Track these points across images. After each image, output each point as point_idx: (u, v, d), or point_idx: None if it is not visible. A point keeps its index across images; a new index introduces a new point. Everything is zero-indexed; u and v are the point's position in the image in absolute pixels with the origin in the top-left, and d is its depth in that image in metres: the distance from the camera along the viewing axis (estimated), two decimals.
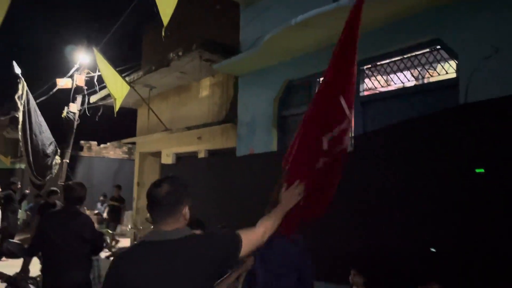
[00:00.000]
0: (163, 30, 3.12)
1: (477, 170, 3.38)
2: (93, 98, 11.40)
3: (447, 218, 3.36)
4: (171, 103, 9.68)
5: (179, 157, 9.51)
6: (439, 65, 4.02)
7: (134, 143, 12.54)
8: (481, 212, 3.18)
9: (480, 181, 3.28)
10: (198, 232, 2.58)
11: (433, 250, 3.32)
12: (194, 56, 6.94)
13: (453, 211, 3.36)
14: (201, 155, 8.38)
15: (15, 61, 9.38)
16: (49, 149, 11.93)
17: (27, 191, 11.65)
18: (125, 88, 8.60)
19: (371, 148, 4.37)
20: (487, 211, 3.16)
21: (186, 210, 1.87)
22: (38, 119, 11.65)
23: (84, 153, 14.15)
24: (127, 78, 8.84)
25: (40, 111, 11.55)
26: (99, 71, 10.32)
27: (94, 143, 14.43)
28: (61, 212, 3.72)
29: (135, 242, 1.87)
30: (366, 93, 4.77)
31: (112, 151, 14.62)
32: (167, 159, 9.69)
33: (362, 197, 4.30)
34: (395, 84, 4.49)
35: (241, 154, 6.44)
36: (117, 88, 8.70)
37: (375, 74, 4.69)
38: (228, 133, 7.38)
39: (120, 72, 8.88)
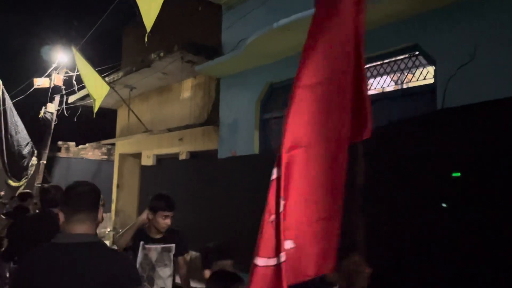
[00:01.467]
0: (146, 36, 3.10)
1: (454, 174, 3.48)
2: (72, 98, 11.22)
3: (422, 221, 3.43)
4: (152, 104, 9.61)
5: (159, 158, 9.44)
6: (417, 70, 4.12)
7: (113, 144, 12.39)
8: (456, 215, 3.27)
9: (457, 185, 3.37)
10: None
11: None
12: (176, 57, 6.90)
13: (428, 213, 3.44)
14: (182, 156, 8.33)
15: None
16: (25, 150, 11.70)
17: (2, 193, 11.37)
18: (105, 89, 8.49)
19: (351, 152, 4.44)
20: (462, 214, 3.25)
21: (100, 216, 1.92)
22: (14, 119, 11.41)
23: (62, 154, 13.88)
24: (106, 79, 8.73)
25: (16, 111, 11.31)
26: (78, 71, 10.17)
27: (72, 144, 14.17)
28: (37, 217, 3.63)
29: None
30: None
31: (90, 152, 14.38)
32: (148, 160, 9.60)
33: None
34: (375, 88, 4.56)
35: (223, 156, 6.45)
36: (97, 88, 8.59)
37: None
38: (210, 135, 7.37)
39: (100, 72, 8.77)
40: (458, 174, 3.40)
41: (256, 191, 5.70)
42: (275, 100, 5.82)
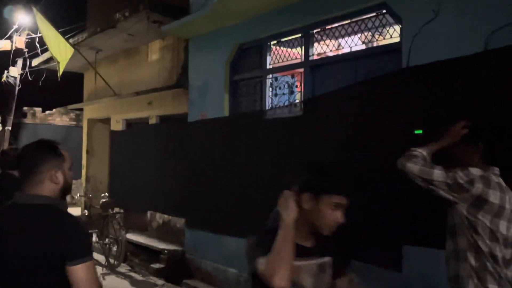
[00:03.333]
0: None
1: (416, 132, 3.55)
2: (35, 62, 10.76)
3: (386, 178, 3.51)
4: (119, 67, 9.32)
5: (129, 123, 9.27)
6: (385, 29, 4.10)
7: (81, 110, 12.04)
8: None
9: (419, 142, 3.44)
10: None
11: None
12: (142, 17, 6.65)
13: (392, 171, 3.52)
14: (152, 121, 8.20)
15: None
16: None
17: None
18: (69, 51, 8.16)
19: (319, 112, 4.46)
20: None
21: (53, 175, 1.76)
22: None
23: (28, 120, 13.44)
24: (71, 40, 8.37)
25: None
26: (40, 33, 9.71)
27: (38, 109, 13.71)
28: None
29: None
30: (315, 57, 4.80)
31: (58, 118, 13.97)
32: (117, 125, 9.41)
33: (310, 158, 4.41)
34: (343, 48, 4.54)
35: (193, 119, 6.37)
36: (60, 51, 8.24)
37: (324, 38, 4.72)
38: (180, 98, 7.24)
39: (64, 34, 8.40)
40: (421, 131, 3.48)
41: (226, 153, 5.72)
42: (245, 61, 5.73)
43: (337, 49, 4.60)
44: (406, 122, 3.59)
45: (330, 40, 4.65)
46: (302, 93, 4.87)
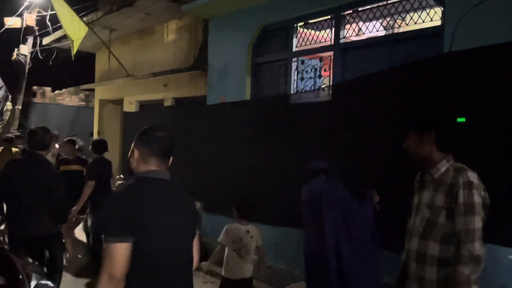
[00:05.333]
0: None
1: (459, 120, 3.40)
2: (46, 40, 10.57)
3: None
4: (133, 48, 9.13)
5: (143, 105, 9.13)
6: (424, 11, 3.92)
7: (92, 90, 11.90)
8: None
9: (462, 130, 3.30)
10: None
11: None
12: None
13: None
14: (167, 103, 8.06)
15: None
16: None
17: None
18: (83, 29, 7.99)
19: (349, 97, 4.31)
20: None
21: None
22: None
23: (38, 100, 13.30)
24: (84, 19, 8.19)
25: None
26: (52, 10, 9.51)
27: (48, 89, 13.56)
28: (24, 160, 3.44)
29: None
30: (346, 40, 4.63)
31: (68, 97, 13.83)
32: (130, 107, 9.27)
33: (337, 145, 4.29)
34: (378, 31, 4.37)
35: (211, 103, 6.23)
36: (74, 29, 8.06)
37: (356, 20, 4.53)
38: (197, 81, 7.09)
39: (78, 12, 8.22)
40: (463, 119, 3.33)
41: (245, 138, 5.60)
42: (269, 44, 5.55)
43: (370, 32, 4.42)
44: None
45: (364, 22, 4.47)
46: (331, 77, 4.71)
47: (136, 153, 1.91)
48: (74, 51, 8.05)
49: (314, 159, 3.96)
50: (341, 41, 4.62)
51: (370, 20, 4.40)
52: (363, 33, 4.49)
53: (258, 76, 5.65)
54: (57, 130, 8.69)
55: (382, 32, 4.32)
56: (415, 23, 3.99)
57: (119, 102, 9.97)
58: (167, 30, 8.11)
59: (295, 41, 5.20)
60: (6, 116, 11.44)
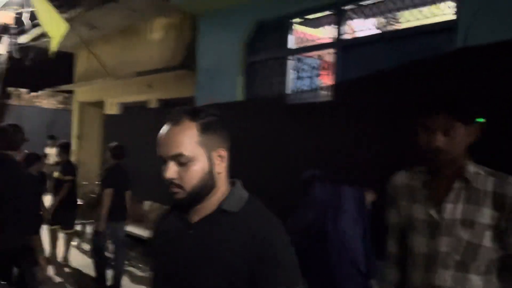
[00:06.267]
0: None
1: (477, 120, 3.15)
2: (23, 39, 10.02)
3: None
4: (115, 47, 8.70)
5: (126, 107, 8.69)
6: (434, 5, 3.67)
7: (71, 92, 11.37)
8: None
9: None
10: None
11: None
12: None
13: None
14: (152, 105, 7.66)
15: None
16: None
17: None
18: (62, 27, 7.54)
19: (351, 97, 4.02)
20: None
21: None
22: None
23: (13, 102, 12.68)
24: (64, 16, 7.73)
25: None
26: (30, 7, 9.01)
27: (24, 90, 12.94)
28: None
29: None
30: (348, 36, 4.35)
31: (45, 100, 13.22)
32: (112, 109, 8.82)
33: (337, 148, 3.98)
34: (385, 26, 4.10)
35: (201, 104, 5.86)
36: (53, 26, 7.61)
37: (359, 14, 4.26)
38: (184, 81, 6.71)
39: (58, 6, 7.76)
40: (482, 119, 3.08)
41: (237, 142, 5.23)
42: (264, 41, 5.23)
43: (376, 28, 4.15)
44: None
45: (366, 17, 4.20)
46: (332, 76, 4.42)
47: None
48: (54, 49, 7.57)
49: (309, 165, 3.67)
50: (342, 37, 4.34)
51: (375, 15, 4.13)
52: (368, 29, 4.21)
53: (252, 76, 5.33)
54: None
55: (388, 28, 4.05)
56: (426, 17, 3.74)
57: (100, 105, 9.49)
58: (152, 28, 7.73)
59: (292, 38, 4.90)
60: None
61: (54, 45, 7.48)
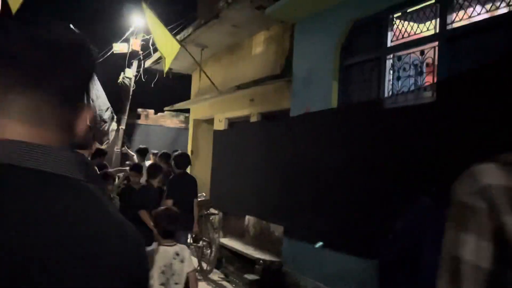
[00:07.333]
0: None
1: None
2: (147, 63, 11.04)
3: None
4: (223, 65, 9.00)
5: (231, 122, 8.86)
6: None
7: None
8: None
9: None
10: None
11: None
12: (245, 2, 6.12)
13: None
14: (254, 118, 7.64)
15: (72, 25, 9.03)
16: (106, 115, 11.83)
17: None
18: (175, 47, 8.04)
19: (459, 96, 3.34)
20: None
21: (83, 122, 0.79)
22: (95, 84, 11.59)
23: (141, 121, 14.03)
24: (178, 37, 8.27)
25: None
26: (149, 29, 9.88)
27: (151, 111, 14.26)
28: None
29: None
30: (455, 25, 3.68)
31: (169, 119, 14.37)
32: (220, 125, 9.08)
33: (445, 156, 3.31)
34: (498, 8, 3.37)
35: (295, 114, 5.60)
36: (167, 47, 8.16)
37: (467, 2, 3.58)
38: (282, 93, 6.54)
39: (172, 30, 8.36)
40: None
41: (333, 152, 4.82)
42: (359, 42, 4.79)
43: (487, 11, 3.43)
44: None
45: (476, 4, 3.50)
46: (435, 73, 3.78)
47: None
48: (165, 68, 8.12)
49: (412, 177, 3.10)
50: (448, 26, 3.68)
51: (486, 1, 3.41)
52: (477, 14, 3.50)
53: (347, 80, 4.90)
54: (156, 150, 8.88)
55: (502, 10, 3.31)
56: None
57: (211, 122, 9.88)
58: (255, 43, 7.79)
59: (390, 35, 4.38)
60: (111, 136, 12.11)
61: (166, 64, 8.03)
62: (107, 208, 0.63)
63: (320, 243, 4.41)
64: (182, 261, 2.75)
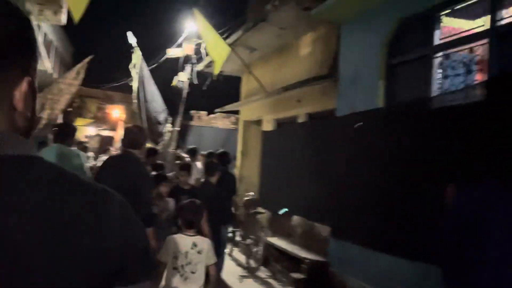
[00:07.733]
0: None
1: None
2: (199, 66, 11.40)
3: None
4: (272, 67, 9.12)
5: (279, 123, 8.96)
6: None
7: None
8: None
9: None
10: None
11: None
12: (292, 4, 6.20)
13: None
14: (301, 119, 7.69)
15: (130, 32, 9.56)
16: (161, 117, 12.35)
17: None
18: (225, 50, 8.27)
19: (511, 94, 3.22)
20: None
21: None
22: (151, 87, 12.13)
23: (194, 122, 14.49)
24: (227, 41, 8.50)
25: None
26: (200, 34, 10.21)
27: (204, 113, 14.70)
28: (117, 158, 3.40)
29: None
30: (506, 21, 3.54)
31: (220, 121, 14.74)
32: (268, 126, 9.21)
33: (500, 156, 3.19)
34: None
35: (341, 114, 5.59)
36: (217, 50, 8.42)
37: None
38: (329, 93, 6.54)
39: (222, 34, 8.60)
40: None
41: (380, 152, 4.77)
42: (405, 40, 4.71)
43: None
44: None
45: None
46: (486, 71, 3.65)
47: None
48: (216, 71, 8.38)
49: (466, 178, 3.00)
50: (499, 23, 3.55)
51: None
52: None
53: (393, 79, 4.83)
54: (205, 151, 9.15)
55: None
56: None
57: (260, 123, 10.03)
58: (302, 44, 7.83)
59: (438, 33, 4.27)
60: (166, 137, 12.61)
61: (216, 68, 8.29)
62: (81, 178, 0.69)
63: (285, 210, 4.35)
64: (199, 252, 2.89)
